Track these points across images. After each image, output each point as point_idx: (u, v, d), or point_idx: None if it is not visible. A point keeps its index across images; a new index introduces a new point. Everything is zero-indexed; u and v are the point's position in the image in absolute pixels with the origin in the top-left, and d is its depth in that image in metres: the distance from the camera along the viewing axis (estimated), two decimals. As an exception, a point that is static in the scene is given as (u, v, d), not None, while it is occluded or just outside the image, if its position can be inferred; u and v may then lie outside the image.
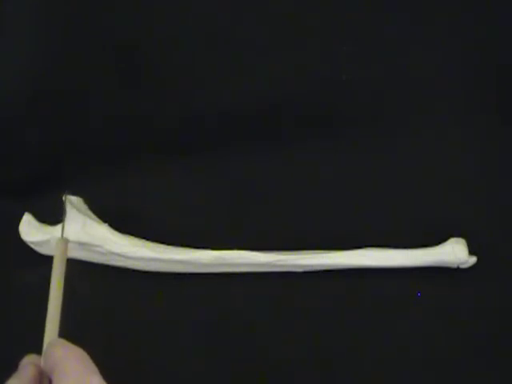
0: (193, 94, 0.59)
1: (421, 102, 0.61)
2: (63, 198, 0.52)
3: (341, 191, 0.58)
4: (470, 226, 0.55)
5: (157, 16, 0.55)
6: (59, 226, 0.52)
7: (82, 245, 0.52)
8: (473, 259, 0.53)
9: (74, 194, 0.54)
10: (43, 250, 0.53)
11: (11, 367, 0.43)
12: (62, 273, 0.43)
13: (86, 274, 0.53)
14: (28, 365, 0.37)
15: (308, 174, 0.60)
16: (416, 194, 0.58)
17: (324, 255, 0.53)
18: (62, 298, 0.42)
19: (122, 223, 0.53)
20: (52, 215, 0.53)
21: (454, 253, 0.52)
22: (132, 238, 0.53)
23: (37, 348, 0.46)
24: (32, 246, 0.53)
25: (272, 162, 0.60)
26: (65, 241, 0.46)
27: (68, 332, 0.48)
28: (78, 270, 0.53)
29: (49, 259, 0.54)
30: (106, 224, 0.53)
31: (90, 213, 0.53)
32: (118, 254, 0.52)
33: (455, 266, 0.53)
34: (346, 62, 0.59)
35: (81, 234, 0.52)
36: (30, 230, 0.53)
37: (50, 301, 0.42)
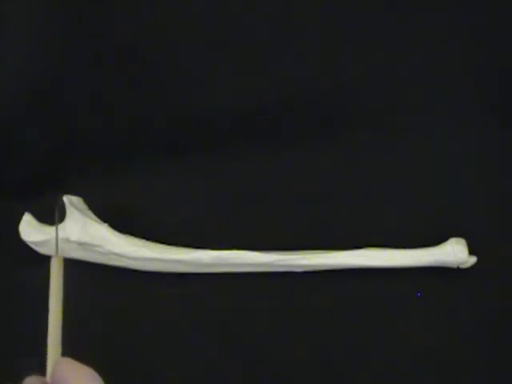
0: (193, 93, 0.59)
1: (421, 101, 0.61)
2: (60, 201, 0.52)
3: (341, 191, 0.58)
4: (469, 226, 0.55)
5: (157, 16, 0.55)
6: (59, 226, 0.52)
7: (82, 245, 0.52)
8: (473, 259, 0.53)
9: (74, 194, 0.54)
10: (43, 250, 0.53)
11: (11, 367, 0.43)
12: (59, 289, 0.43)
13: (86, 274, 0.53)
14: (34, 380, 0.37)
15: (308, 174, 0.59)
16: (416, 194, 0.58)
17: (324, 255, 0.53)
18: (61, 311, 0.42)
19: (122, 223, 0.53)
20: (52, 215, 0.53)
21: (453, 253, 0.52)
22: (132, 238, 0.53)
23: (36, 348, 0.46)
24: (32, 246, 0.53)
25: (272, 162, 0.60)
26: (60, 259, 0.45)
27: (67, 332, 0.48)
28: (78, 270, 0.53)
29: (49, 259, 0.54)
30: (106, 224, 0.53)
31: (89, 213, 0.53)
32: (118, 254, 0.52)
33: (455, 266, 0.53)
34: (346, 62, 0.59)
35: (81, 234, 0.52)
36: (30, 230, 0.53)
37: (51, 317, 0.41)
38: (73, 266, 0.52)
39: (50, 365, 0.39)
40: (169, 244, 0.53)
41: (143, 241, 0.53)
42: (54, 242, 0.52)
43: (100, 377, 0.36)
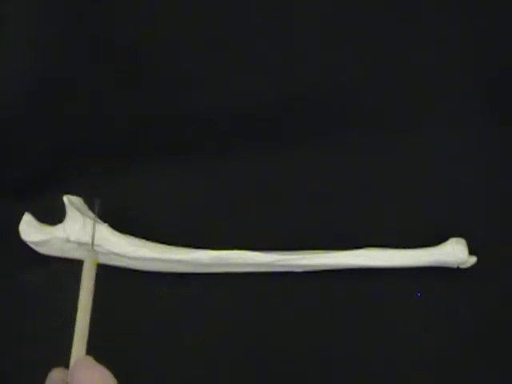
0: (193, 94, 0.59)
1: (421, 101, 0.61)
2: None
3: (341, 191, 0.58)
4: (469, 226, 0.55)
5: (157, 16, 0.55)
6: (59, 226, 0.52)
7: (82, 245, 0.52)
8: (473, 259, 0.53)
9: (74, 194, 0.54)
10: (43, 250, 0.53)
11: (10, 367, 0.43)
12: (91, 288, 0.42)
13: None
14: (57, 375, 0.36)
15: (308, 174, 0.60)
16: (416, 194, 0.58)
17: (324, 255, 0.53)
18: (90, 312, 0.41)
19: (122, 223, 0.53)
20: (52, 215, 0.53)
21: (453, 253, 0.52)
22: (132, 238, 0.53)
23: (36, 348, 0.46)
24: (32, 246, 0.53)
25: (272, 162, 0.60)
26: (94, 253, 0.44)
27: (68, 333, 0.48)
28: (78, 270, 0.53)
29: (49, 259, 0.54)
30: (106, 224, 0.53)
31: (89, 213, 0.53)
32: (118, 254, 0.52)
33: (455, 266, 0.53)
34: (346, 62, 0.59)
35: (81, 234, 0.52)
36: (30, 230, 0.53)
37: (79, 316, 0.41)
38: (73, 266, 0.52)
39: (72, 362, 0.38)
40: (169, 244, 0.53)
41: (143, 241, 0.53)
42: (57, 241, 0.52)
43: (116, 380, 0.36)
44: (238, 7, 0.55)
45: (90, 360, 0.37)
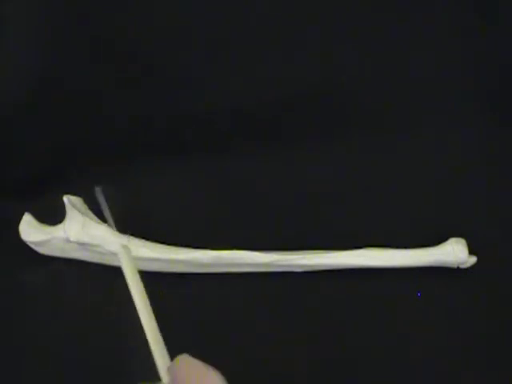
0: (193, 93, 0.59)
1: (421, 102, 0.61)
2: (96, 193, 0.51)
3: (341, 191, 0.58)
4: (469, 226, 0.55)
5: (157, 16, 0.55)
6: (59, 226, 0.52)
7: (82, 245, 0.52)
8: (473, 259, 0.53)
9: (74, 194, 0.54)
10: (43, 250, 0.53)
11: (11, 367, 0.43)
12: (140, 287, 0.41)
13: (86, 274, 0.53)
14: None
15: (308, 174, 0.60)
16: (416, 194, 0.58)
17: (324, 255, 0.53)
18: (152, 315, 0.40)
19: (122, 223, 0.53)
20: (52, 215, 0.53)
21: (454, 253, 0.52)
22: (132, 238, 0.53)
23: (36, 348, 0.46)
24: (32, 246, 0.53)
25: (272, 162, 0.60)
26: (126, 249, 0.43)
27: (68, 333, 0.48)
28: (78, 270, 0.53)
29: (49, 259, 0.54)
30: (106, 224, 0.53)
31: (89, 213, 0.53)
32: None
33: (455, 266, 0.53)
34: (346, 62, 0.59)
35: (81, 234, 0.52)
36: (30, 230, 0.53)
37: (145, 323, 0.40)
38: (73, 266, 0.52)
39: (162, 366, 0.37)
40: (169, 244, 0.53)
41: (143, 241, 0.53)
42: (58, 241, 0.52)
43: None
44: (237, 7, 0.55)
45: (191, 358, 0.36)
